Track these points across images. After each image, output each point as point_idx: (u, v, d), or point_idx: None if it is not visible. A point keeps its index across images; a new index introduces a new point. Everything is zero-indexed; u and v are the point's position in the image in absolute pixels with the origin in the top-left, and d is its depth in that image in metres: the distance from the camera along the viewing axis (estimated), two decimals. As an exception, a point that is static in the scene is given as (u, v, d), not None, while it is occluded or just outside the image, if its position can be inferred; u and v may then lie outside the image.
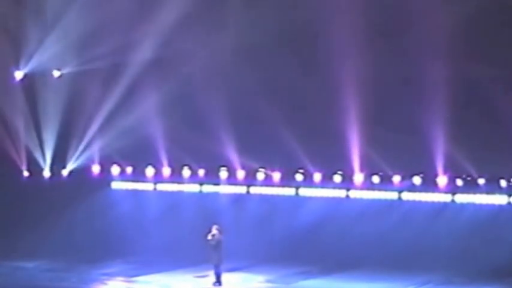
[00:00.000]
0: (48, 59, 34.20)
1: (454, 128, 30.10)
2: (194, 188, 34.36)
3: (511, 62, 29.40)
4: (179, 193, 34.50)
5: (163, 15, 32.45)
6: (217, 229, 27.99)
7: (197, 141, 32.41)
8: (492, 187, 30.52)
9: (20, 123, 34.63)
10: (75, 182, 34.61)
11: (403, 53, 30.13)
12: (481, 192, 30.63)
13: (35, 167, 35.05)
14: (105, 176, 35.10)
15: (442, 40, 29.66)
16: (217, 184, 34.02)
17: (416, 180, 31.43)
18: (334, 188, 32.42)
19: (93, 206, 34.46)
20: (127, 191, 35.16)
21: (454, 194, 31.02)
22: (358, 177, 32.04)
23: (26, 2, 33.77)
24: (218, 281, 27.74)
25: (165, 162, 34.29)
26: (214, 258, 27.67)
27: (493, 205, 30.59)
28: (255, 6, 31.84)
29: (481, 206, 30.71)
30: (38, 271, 30.40)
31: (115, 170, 35.00)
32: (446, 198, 31.19)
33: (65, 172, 35.11)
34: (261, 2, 31.84)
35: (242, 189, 33.73)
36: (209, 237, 27.80)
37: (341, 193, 32.39)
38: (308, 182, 32.69)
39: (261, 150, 32.18)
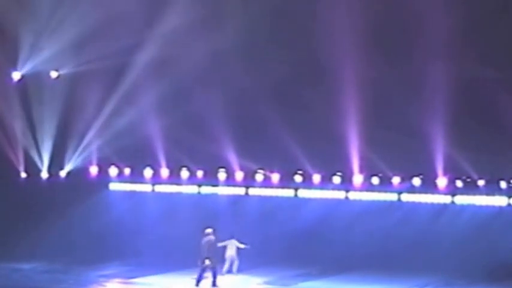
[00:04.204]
0: (46, 60, 34.07)
1: (453, 129, 30.08)
2: (192, 189, 34.30)
3: (511, 63, 29.38)
4: (177, 194, 34.44)
5: (162, 16, 32.37)
6: (211, 232, 27.34)
7: (195, 142, 32.32)
8: (492, 188, 30.58)
9: (18, 124, 34.46)
10: (73, 183, 34.48)
11: (403, 55, 30.08)
12: (480, 194, 30.68)
13: (32, 168, 34.89)
14: (103, 177, 35.02)
15: (442, 42, 29.62)
16: (215, 185, 33.99)
17: (416, 181, 31.42)
18: (333, 189, 32.44)
19: (91, 208, 34.31)
20: (125, 192, 35.09)
21: (453, 195, 31.08)
22: (358, 179, 32.00)
23: (24, 2, 33.62)
24: (199, 279, 27.02)
25: (163, 163, 34.22)
26: (204, 259, 27.02)
27: (493, 206, 30.63)
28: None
29: (480, 207, 30.72)
30: (35, 273, 30.24)
31: (113, 171, 34.90)
32: (446, 199, 31.23)
33: (62, 173, 34.98)
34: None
35: (241, 191, 33.71)
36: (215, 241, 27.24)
37: (340, 194, 32.38)
38: (307, 183, 32.67)
39: (260, 152, 32.12)
